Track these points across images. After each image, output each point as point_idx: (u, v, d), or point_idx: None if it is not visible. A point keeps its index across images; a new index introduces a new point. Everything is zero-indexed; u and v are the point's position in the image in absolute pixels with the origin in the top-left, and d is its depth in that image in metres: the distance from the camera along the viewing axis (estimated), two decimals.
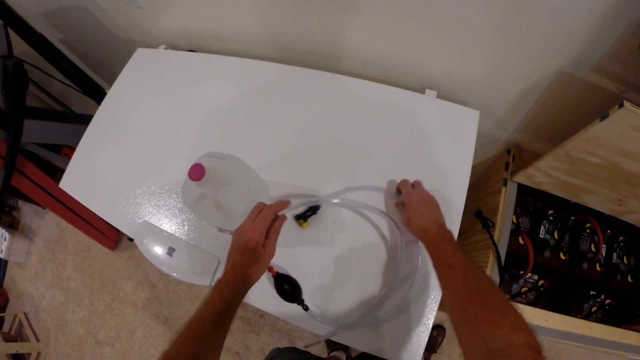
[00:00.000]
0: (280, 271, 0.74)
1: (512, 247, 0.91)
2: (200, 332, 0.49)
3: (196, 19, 1.07)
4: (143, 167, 0.93)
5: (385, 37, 0.88)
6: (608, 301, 0.98)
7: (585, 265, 0.95)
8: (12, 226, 2.11)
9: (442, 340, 1.51)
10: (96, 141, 1.00)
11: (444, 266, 0.54)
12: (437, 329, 1.52)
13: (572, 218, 1.01)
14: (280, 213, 0.63)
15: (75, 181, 0.97)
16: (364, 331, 0.71)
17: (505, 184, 0.96)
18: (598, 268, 0.96)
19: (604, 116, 0.63)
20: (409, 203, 0.68)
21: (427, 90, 0.92)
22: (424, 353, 0.70)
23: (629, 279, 0.98)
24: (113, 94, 1.05)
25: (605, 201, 0.88)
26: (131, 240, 1.83)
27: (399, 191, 0.75)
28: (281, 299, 0.72)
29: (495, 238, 0.89)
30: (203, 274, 0.79)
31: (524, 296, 0.95)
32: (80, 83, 1.36)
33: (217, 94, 0.98)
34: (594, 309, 0.97)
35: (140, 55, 1.09)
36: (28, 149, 1.36)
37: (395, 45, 0.89)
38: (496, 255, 0.87)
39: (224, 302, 0.53)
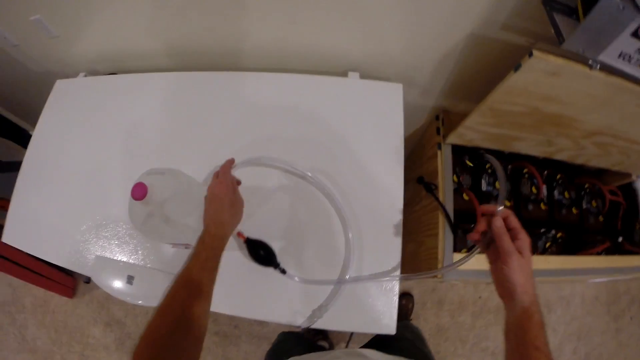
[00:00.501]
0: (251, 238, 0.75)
1: (458, 204, 0.94)
2: (189, 279, 0.52)
3: (110, 39, 1.02)
4: (84, 201, 0.89)
5: (299, 29, 0.89)
6: (559, 234, 1.05)
7: (530, 207, 1.01)
8: None
9: (412, 307, 1.56)
10: (31, 186, 0.94)
11: (536, 350, 0.46)
12: (406, 297, 1.57)
13: (510, 167, 1.07)
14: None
15: (18, 232, 0.90)
16: (339, 312, 0.72)
17: (439, 147, 1.00)
18: (543, 207, 1.03)
19: (517, 67, 0.67)
20: (525, 262, 0.49)
21: (350, 73, 0.95)
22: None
23: (574, 211, 1.05)
24: (39, 133, 0.99)
25: (536, 145, 0.94)
26: (87, 282, 1.74)
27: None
28: (254, 294, 0.74)
29: (440, 199, 0.92)
30: None
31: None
32: (1, 128, 1.27)
33: (143, 112, 0.96)
34: (548, 244, 1.04)
35: (60, 87, 1.04)
36: None
37: (310, 36, 0.91)
38: (445, 215, 0.91)
39: (208, 248, 0.56)
